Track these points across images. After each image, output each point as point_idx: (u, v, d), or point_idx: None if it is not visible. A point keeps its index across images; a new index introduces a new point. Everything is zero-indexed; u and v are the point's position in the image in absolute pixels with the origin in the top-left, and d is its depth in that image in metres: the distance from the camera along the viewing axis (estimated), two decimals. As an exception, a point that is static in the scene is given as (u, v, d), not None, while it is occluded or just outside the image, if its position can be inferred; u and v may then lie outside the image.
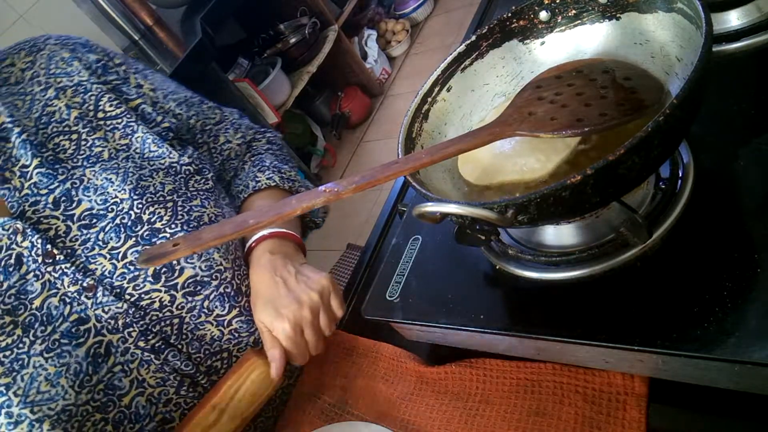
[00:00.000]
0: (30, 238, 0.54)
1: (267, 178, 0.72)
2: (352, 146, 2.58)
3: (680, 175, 0.45)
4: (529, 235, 0.51)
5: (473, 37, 0.55)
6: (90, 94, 0.62)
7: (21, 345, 0.52)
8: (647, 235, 0.42)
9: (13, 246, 0.54)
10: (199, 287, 0.59)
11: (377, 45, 2.72)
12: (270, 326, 0.57)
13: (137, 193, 0.59)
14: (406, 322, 0.54)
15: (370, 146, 2.59)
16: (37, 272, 0.54)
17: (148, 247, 0.57)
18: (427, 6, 2.90)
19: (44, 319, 0.53)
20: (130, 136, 0.62)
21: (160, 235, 0.58)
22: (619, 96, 0.43)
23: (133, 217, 0.58)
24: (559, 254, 0.47)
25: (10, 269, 0.54)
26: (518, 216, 0.38)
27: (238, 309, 0.62)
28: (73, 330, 0.54)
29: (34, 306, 0.53)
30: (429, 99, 0.54)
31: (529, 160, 0.47)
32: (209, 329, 0.61)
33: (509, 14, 0.54)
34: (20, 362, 0.51)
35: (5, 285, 0.53)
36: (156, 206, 0.59)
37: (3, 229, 0.54)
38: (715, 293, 0.37)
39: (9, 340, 0.52)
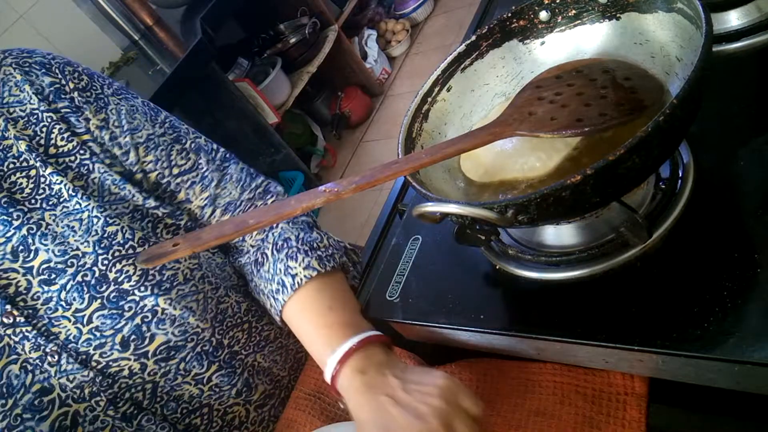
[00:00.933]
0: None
1: (304, 268, 0.58)
2: (352, 146, 2.58)
3: (680, 175, 0.45)
4: (529, 235, 0.51)
5: (473, 37, 0.55)
6: (42, 124, 0.55)
7: None
8: (647, 235, 0.42)
9: None
10: (173, 352, 0.56)
11: (377, 45, 2.72)
12: None
13: (102, 246, 0.53)
14: (406, 322, 0.54)
15: (370, 146, 2.59)
16: None
17: (115, 306, 0.53)
18: (427, 6, 2.90)
19: (4, 390, 0.50)
20: (85, 177, 0.55)
21: (129, 298, 0.53)
22: (618, 96, 0.43)
23: (97, 275, 0.52)
24: (559, 254, 0.47)
25: None
26: (518, 216, 0.38)
27: (217, 364, 0.60)
28: (36, 402, 0.50)
29: None
30: (429, 99, 0.54)
31: (530, 159, 0.47)
32: (187, 389, 0.58)
33: (509, 14, 0.54)
34: None
35: None
36: (124, 262, 0.53)
37: None
38: (715, 293, 0.37)
39: None
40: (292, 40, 2.30)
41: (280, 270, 0.59)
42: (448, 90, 0.55)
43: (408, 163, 0.41)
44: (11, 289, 0.51)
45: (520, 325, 0.46)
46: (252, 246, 0.64)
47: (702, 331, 0.36)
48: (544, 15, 0.53)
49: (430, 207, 0.41)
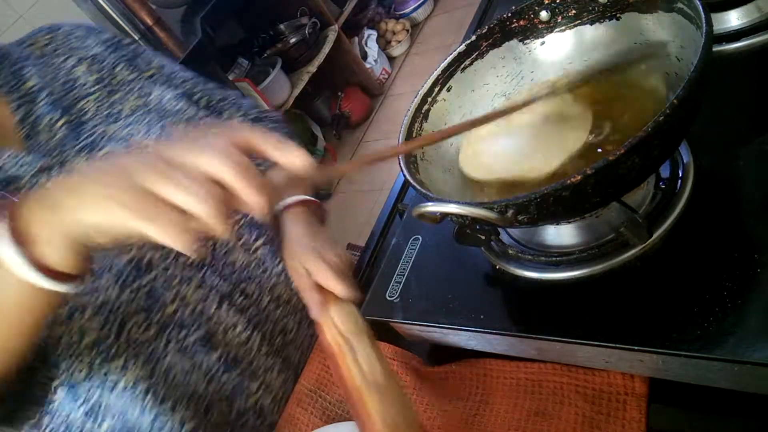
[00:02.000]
0: (56, 176, 0.56)
1: None
2: (352, 146, 2.58)
3: (680, 175, 0.45)
4: (529, 235, 0.51)
5: (473, 37, 0.55)
6: (106, 62, 0.67)
7: None
8: (647, 235, 0.42)
9: (37, 186, 0.56)
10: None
11: (377, 45, 2.72)
12: None
13: (163, 138, 0.62)
14: (406, 322, 0.54)
15: (370, 146, 2.59)
16: None
17: None
18: (427, 6, 2.90)
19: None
20: (146, 97, 0.66)
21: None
22: None
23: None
24: (559, 254, 0.47)
25: None
26: (518, 216, 0.38)
27: (263, 238, 0.67)
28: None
29: None
30: (429, 99, 0.54)
31: (532, 158, 0.47)
32: (238, 255, 0.65)
33: (509, 14, 0.54)
34: None
35: None
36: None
37: (29, 168, 0.56)
38: (715, 293, 0.37)
39: None
40: (292, 40, 2.30)
41: None
42: (448, 90, 0.55)
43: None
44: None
45: (520, 325, 0.46)
46: None
47: (702, 331, 0.36)
48: (544, 15, 0.53)
49: (430, 207, 0.41)
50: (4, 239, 0.35)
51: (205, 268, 0.62)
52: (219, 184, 0.33)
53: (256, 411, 0.66)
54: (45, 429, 0.59)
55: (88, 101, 0.64)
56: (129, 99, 0.66)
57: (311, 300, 0.52)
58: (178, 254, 0.59)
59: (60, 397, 0.56)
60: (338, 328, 0.54)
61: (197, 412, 0.61)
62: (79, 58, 0.66)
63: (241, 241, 0.65)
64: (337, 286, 0.50)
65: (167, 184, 0.32)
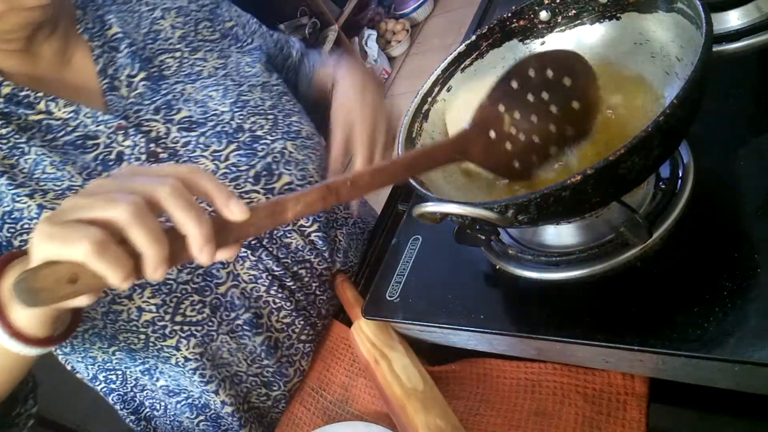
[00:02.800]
0: (132, 137, 0.57)
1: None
2: (352, 146, 2.58)
3: (680, 175, 0.45)
4: (529, 235, 0.51)
5: (473, 37, 0.55)
6: (189, 17, 0.68)
7: None
8: (647, 235, 0.42)
9: (114, 144, 0.57)
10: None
11: (377, 45, 2.72)
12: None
13: (238, 105, 0.63)
14: (406, 322, 0.54)
15: (370, 146, 2.58)
16: None
17: (250, 147, 0.61)
18: (427, 6, 2.90)
19: None
20: (225, 59, 0.67)
21: (261, 142, 0.62)
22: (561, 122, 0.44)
23: (234, 126, 0.62)
24: (559, 254, 0.47)
25: (110, 164, 0.56)
26: (518, 216, 0.38)
27: (318, 224, 0.67)
28: None
29: None
30: (429, 99, 0.54)
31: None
32: (294, 237, 0.65)
33: (509, 14, 0.54)
34: None
35: (104, 174, 0.55)
36: (257, 117, 0.63)
37: (105, 127, 0.57)
38: (715, 293, 0.37)
39: None
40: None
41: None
42: (448, 90, 0.55)
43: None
44: (152, 134, 0.59)
45: (520, 325, 0.46)
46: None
47: (702, 331, 0.36)
48: (544, 15, 0.53)
49: (430, 207, 0.41)
50: None
51: (261, 249, 0.62)
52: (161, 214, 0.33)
53: (289, 399, 0.67)
54: (100, 383, 0.64)
55: (170, 56, 0.65)
56: (209, 59, 0.66)
57: (333, 170, 0.61)
58: None
59: (119, 357, 0.60)
60: (372, 341, 0.55)
61: (237, 396, 0.64)
62: (163, 8, 0.67)
63: (298, 224, 0.65)
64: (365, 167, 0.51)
65: (94, 204, 0.32)
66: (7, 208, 0.52)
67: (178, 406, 0.65)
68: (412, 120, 0.53)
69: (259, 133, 0.62)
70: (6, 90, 0.55)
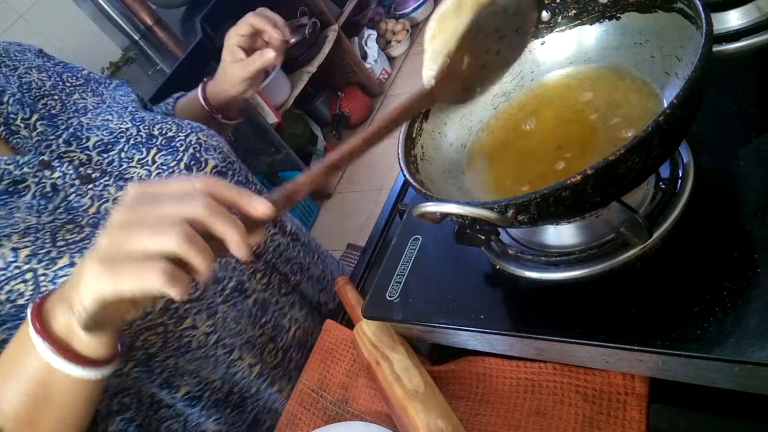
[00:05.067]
0: (58, 168, 0.59)
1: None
2: (352, 146, 2.58)
3: (680, 175, 0.45)
4: (529, 235, 0.51)
5: (473, 37, 0.55)
6: (50, 71, 0.70)
7: (96, 233, 0.57)
8: (647, 235, 0.42)
9: (44, 180, 0.58)
10: (221, 177, 0.68)
11: (377, 45, 2.72)
12: None
13: (137, 120, 0.67)
14: (406, 322, 0.54)
15: (370, 146, 2.58)
16: (79, 192, 0.59)
17: (169, 146, 0.66)
18: (427, 6, 2.90)
19: (106, 216, 0.59)
20: (100, 96, 0.71)
21: (177, 140, 0.67)
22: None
23: (144, 136, 0.66)
24: (559, 254, 0.47)
25: (49, 195, 0.58)
26: (518, 216, 0.38)
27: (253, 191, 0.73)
28: None
29: (90, 213, 0.59)
30: (429, 106, 0.54)
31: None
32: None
33: (509, 14, 0.54)
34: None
35: (51, 207, 0.57)
36: (160, 125, 0.68)
37: (29, 167, 0.57)
38: (715, 293, 0.37)
39: (82, 235, 0.56)
40: (292, 40, 2.30)
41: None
42: (448, 90, 0.55)
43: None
44: (75, 162, 0.61)
45: (520, 325, 0.46)
46: None
47: (702, 331, 0.36)
48: (544, 15, 0.53)
49: (430, 207, 0.41)
50: (44, 349, 0.41)
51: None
52: (197, 228, 0.37)
53: (295, 345, 0.74)
54: (128, 370, 0.65)
55: (50, 99, 0.66)
56: (87, 97, 0.70)
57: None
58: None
59: (135, 375, 0.61)
60: (373, 342, 0.55)
61: (257, 356, 0.70)
62: (26, 67, 0.68)
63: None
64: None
65: (141, 238, 0.36)
66: None
67: (202, 412, 0.67)
68: (412, 120, 0.53)
69: (170, 134, 0.67)
70: None
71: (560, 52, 0.53)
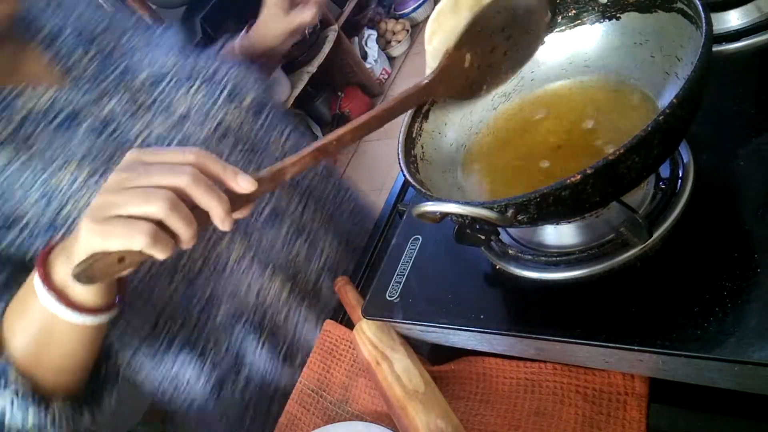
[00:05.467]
0: (111, 101, 0.64)
1: None
2: (352, 146, 2.58)
3: (680, 175, 0.45)
4: (529, 235, 0.51)
5: (473, 37, 0.55)
6: (106, 12, 0.74)
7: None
8: (647, 235, 0.42)
9: (100, 112, 0.63)
10: (261, 107, 0.74)
11: (377, 45, 2.72)
12: None
13: (184, 56, 0.72)
14: (406, 322, 0.54)
15: (370, 146, 2.59)
16: (131, 122, 0.64)
17: (210, 82, 0.70)
18: (427, 6, 2.90)
19: (155, 143, 0.64)
20: (149, 35, 0.74)
21: (218, 74, 0.71)
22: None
23: (189, 71, 0.71)
24: (559, 254, 0.47)
25: (103, 125, 0.63)
26: (518, 215, 0.38)
27: (290, 127, 0.77)
28: (183, 143, 0.65)
29: (138, 142, 0.63)
30: (425, 100, 0.54)
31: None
32: (277, 144, 0.75)
33: (509, 14, 0.54)
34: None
35: (104, 136, 0.62)
36: (204, 61, 0.72)
37: (86, 99, 0.63)
38: (715, 293, 0.37)
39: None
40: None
41: None
42: (448, 90, 0.55)
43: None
44: (128, 94, 0.66)
45: (520, 325, 0.46)
46: None
47: (702, 331, 0.36)
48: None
49: (430, 206, 0.41)
50: (45, 296, 0.45)
51: (258, 153, 0.71)
52: (184, 198, 0.41)
53: (327, 272, 0.77)
54: (161, 330, 0.69)
55: (105, 37, 0.70)
56: (138, 36, 0.73)
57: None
58: (234, 143, 0.68)
59: (179, 295, 0.66)
60: (373, 342, 0.55)
61: (289, 278, 0.73)
62: (84, 7, 0.72)
63: (276, 131, 0.74)
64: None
65: (130, 201, 0.40)
66: (40, 193, 0.57)
67: (242, 331, 0.72)
68: (412, 120, 0.53)
69: (212, 70, 0.72)
70: None
71: (560, 53, 0.53)
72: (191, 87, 0.70)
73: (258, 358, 0.74)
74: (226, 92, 0.70)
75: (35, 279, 0.46)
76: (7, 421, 0.48)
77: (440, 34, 0.50)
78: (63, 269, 0.45)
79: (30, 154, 0.58)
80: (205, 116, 0.69)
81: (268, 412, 0.76)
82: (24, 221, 0.57)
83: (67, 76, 0.64)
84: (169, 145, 0.65)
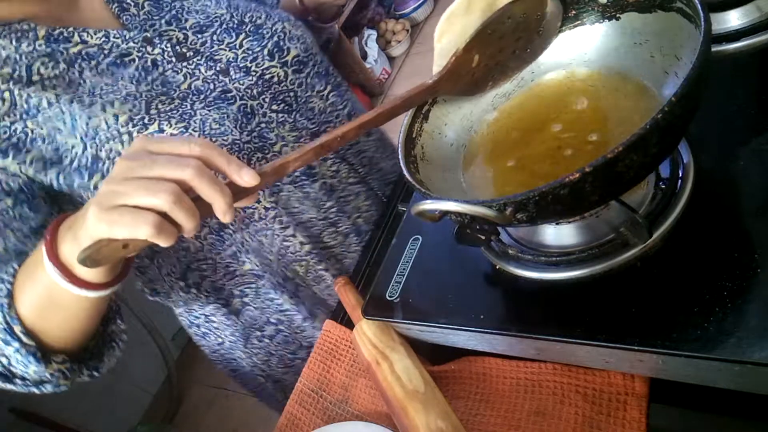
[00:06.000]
0: (159, 46, 0.66)
1: None
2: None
3: (680, 175, 0.45)
4: (529, 235, 0.51)
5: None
6: None
7: (184, 105, 0.63)
8: (647, 235, 0.42)
9: (146, 55, 0.65)
10: (302, 66, 0.73)
11: (377, 45, 2.72)
12: None
13: (232, 8, 0.73)
14: (406, 322, 0.54)
15: (370, 146, 2.57)
16: (175, 68, 0.66)
17: (256, 33, 0.71)
18: (427, 6, 2.90)
19: (195, 92, 0.65)
20: None
21: (264, 27, 0.72)
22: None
23: (236, 22, 0.71)
24: (559, 254, 0.47)
25: (149, 69, 0.65)
26: (517, 214, 0.38)
27: (330, 86, 0.77)
28: (222, 95, 0.66)
29: (182, 88, 0.65)
30: (429, 99, 0.54)
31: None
32: (316, 101, 0.75)
33: (509, 14, 0.54)
34: (188, 114, 0.63)
35: (149, 79, 0.64)
36: (251, 12, 0.73)
37: (134, 42, 0.65)
38: (715, 293, 0.37)
39: (172, 106, 0.63)
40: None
41: None
42: (448, 90, 0.55)
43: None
44: (173, 40, 0.68)
45: (520, 325, 0.46)
46: None
47: (702, 331, 0.36)
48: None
49: (429, 205, 0.41)
50: (51, 270, 0.47)
51: (294, 112, 0.71)
52: (187, 189, 0.43)
53: (355, 231, 0.78)
54: (192, 276, 0.73)
55: None
56: None
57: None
58: (271, 99, 0.69)
59: (210, 243, 0.69)
60: (373, 342, 0.55)
61: (312, 236, 0.74)
62: None
63: (315, 90, 0.75)
64: None
65: (135, 193, 0.42)
66: (85, 130, 0.59)
67: (266, 285, 0.74)
68: (412, 120, 0.53)
69: (258, 22, 0.72)
70: (42, 32, 0.61)
71: (560, 53, 0.53)
72: (237, 38, 0.71)
73: (281, 314, 0.77)
74: (270, 45, 0.71)
75: (43, 249, 0.47)
76: (12, 368, 0.52)
77: (450, 34, 0.51)
78: (69, 249, 0.46)
79: (76, 94, 0.60)
80: (246, 69, 0.70)
81: (293, 359, 0.81)
82: (67, 160, 0.59)
83: (119, 18, 0.66)
84: (210, 94, 0.66)
